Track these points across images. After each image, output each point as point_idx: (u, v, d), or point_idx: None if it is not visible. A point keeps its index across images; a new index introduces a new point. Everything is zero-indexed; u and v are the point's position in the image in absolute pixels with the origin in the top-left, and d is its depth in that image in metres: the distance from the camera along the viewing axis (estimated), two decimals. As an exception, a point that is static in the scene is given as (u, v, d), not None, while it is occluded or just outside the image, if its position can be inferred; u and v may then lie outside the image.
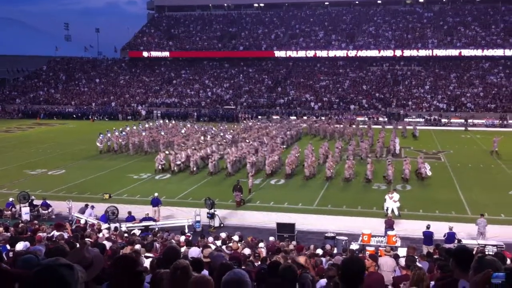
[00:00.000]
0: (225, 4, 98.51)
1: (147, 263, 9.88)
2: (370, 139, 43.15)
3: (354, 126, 51.03)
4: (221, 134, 44.72)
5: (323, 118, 58.69)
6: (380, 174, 31.78)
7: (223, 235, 18.54)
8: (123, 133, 45.32)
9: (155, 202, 24.66)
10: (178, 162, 34.28)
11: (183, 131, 46.54)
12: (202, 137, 42.96)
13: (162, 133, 44.98)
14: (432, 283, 6.59)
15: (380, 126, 50.80)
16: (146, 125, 51.56)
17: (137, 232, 19.47)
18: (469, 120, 59.10)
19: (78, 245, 8.88)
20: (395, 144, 39.81)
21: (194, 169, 33.92)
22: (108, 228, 18.92)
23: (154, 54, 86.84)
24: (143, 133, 45.18)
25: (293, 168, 33.13)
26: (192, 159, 34.16)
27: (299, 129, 50.36)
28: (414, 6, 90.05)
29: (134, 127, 49.38)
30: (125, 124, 52.33)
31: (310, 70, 79.91)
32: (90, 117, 69.65)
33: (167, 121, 56.62)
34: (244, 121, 57.00)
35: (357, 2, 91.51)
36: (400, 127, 51.67)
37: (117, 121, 67.13)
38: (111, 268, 4.73)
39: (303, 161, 33.78)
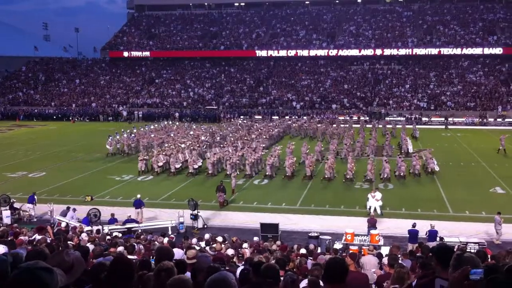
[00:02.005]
0: (206, 3, 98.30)
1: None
2: (350, 138, 43.38)
3: (334, 125, 51.29)
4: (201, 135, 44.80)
5: (305, 117, 58.98)
6: (361, 173, 31.96)
7: (206, 236, 18.51)
8: (132, 135, 44.86)
9: (138, 204, 24.49)
10: (178, 166, 33.86)
11: (191, 133, 46.19)
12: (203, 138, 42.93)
13: (172, 135, 44.75)
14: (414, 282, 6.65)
15: (359, 126, 51.14)
16: (152, 127, 51.28)
17: (119, 234, 19.34)
18: (449, 119, 59.78)
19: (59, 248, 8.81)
20: (408, 143, 39.97)
21: (192, 170, 33.57)
22: (90, 231, 18.76)
23: (135, 54, 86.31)
24: (152, 135, 44.95)
25: (294, 169, 32.81)
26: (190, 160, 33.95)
27: (280, 129, 50.44)
28: (393, 5, 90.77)
29: (142, 129, 49.11)
30: (123, 127, 52.13)
31: (292, 69, 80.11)
32: (70, 118, 68.98)
33: (170, 122, 56.55)
34: (232, 121, 57.28)
35: (337, 1, 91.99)
36: (389, 125, 51.99)
37: (98, 122, 66.75)
38: (103, 270, 4.70)
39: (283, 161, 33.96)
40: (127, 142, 41.93)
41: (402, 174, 31.59)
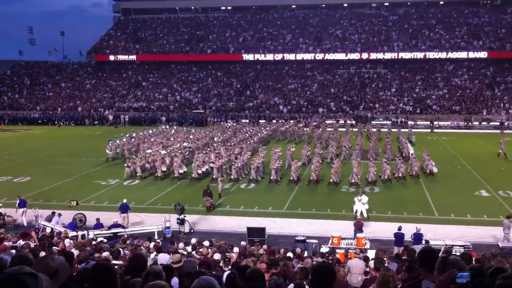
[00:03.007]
0: (192, 7, 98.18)
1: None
2: (336, 141, 43.50)
3: (320, 129, 51.48)
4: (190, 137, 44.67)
5: (291, 121, 59.19)
6: (346, 177, 32.04)
7: (193, 240, 18.44)
8: (133, 139, 44.46)
9: (124, 209, 24.32)
10: (181, 171, 33.40)
11: (191, 137, 45.93)
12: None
13: (172, 139, 44.52)
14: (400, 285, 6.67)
15: (344, 129, 51.38)
16: (150, 131, 50.96)
17: (105, 239, 19.21)
18: (434, 122, 60.20)
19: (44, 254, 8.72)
20: (408, 146, 40.08)
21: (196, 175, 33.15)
22: (76, 237, 18.60)
23: (121, 57, 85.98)
24: (151, 139, 44.61)
25: (299, 173, 32.60)
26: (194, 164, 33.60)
27: (269, 132, 50.58)
28: (379, 9, 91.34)
29: (141, 133, 48.78)
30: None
31: (278, 73, 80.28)
32: (56, 122, 68.42)
33: (167, 126, 56.30)
34: (221, 124, 57.51)
35: (323, 6, 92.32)
36: (374, 129, 52.14)
37: (84, 126, 66.33)
38: (87, 276, 4.67)
39: (268, 164, 34.00)
40: (127, 146, 41.47)
41: (401, 175, 32.16)
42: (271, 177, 32.12)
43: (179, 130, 52.66)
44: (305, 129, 50.80)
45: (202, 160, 34.30)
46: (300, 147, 41.37)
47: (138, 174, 33.71)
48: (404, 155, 38.55)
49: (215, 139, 44.15)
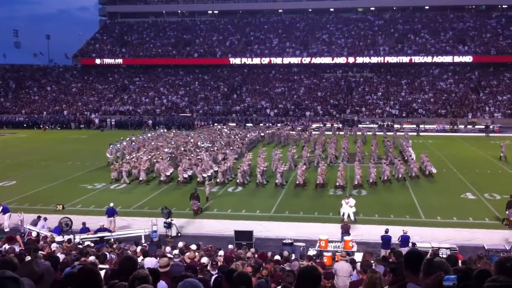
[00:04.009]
0: (179, 11, 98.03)
1: (101, 274, 9.70)
2: (322, 145, 43.62)
3: (307, 132, 51.60)
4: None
5: (279, 125, 59.30)
6: (332, 180, 32.12)
7: (180, 244, 18.37)
8: (133, 143, 44.08)
9: (111, 212, 24.17)
10: (186, 176, 33.06)
11: (172, 142, 45.62)
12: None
13: (173, 142, 44.30)
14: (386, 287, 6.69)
15: (331, 132, 51.53)
16: (149, 135, 50.59)
17: (91, 243, 19.08)
18: (420, 126, 60.60)
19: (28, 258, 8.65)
20: (410, 150, 40.21)
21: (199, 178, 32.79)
22: (62, 241, 18.45)
23: (107, 61, 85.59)
24: (152, 143, 44.35)
25: (305, 177, 32.31)
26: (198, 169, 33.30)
27: (255, 135, 50.60)
28: (365, 14, 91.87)
29: (140, 137, 48.39)
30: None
31: (265, 77, 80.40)
32: (41, 126, 67.86)
33: (165, 130, 56.09)
34: (211, 127, 57.68)
35: (310, 10, 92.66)
36: (359, 133, 52.39)
37: (70, 130, 65.89)
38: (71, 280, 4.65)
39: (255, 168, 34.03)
40: (128, 150, 41.12)
41: (401, 176, 32.71)
42: (257, 181, 32.16)
43: (178, 133, 52.41)
44: (291, 132, 50.85)
45: (188, 165, 34.17)
46: (287, 149, 41.40)
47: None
48: (405, 158, 38.76)
49: (199, 143, 43.81)
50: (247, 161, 34.53)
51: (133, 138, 46.44)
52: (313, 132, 52.23)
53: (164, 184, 32.81)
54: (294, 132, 51.38)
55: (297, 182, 31.26)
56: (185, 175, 33.06)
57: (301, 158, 38.02)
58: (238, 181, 32.32)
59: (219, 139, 46.76)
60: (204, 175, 32.57)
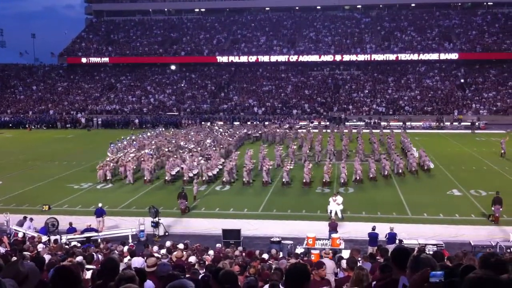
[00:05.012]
0: (166, 9, 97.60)
1: (88, 275, 9.64)
2: (309, 142, 43.67)
3: (293, 130, 51.56)
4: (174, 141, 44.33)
5: (266, 123, 59.29)
6: (318, 178, 32.18)
7: (168, 243, 18.32)
8: (134, 142, 43.70)
9: (99, 213, 24.05)
10: (191, 174, 32.55)
11: (193, 139, 45.34)
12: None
13: (173, 141, 44.02)
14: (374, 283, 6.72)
15: (317, 130, 51.60)
16: (149, 133, 50.16)
17: (78, 244, 18.95)
18: (407, 123, 60.92)
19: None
20: (411, 147, 40.29)
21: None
22: (48, 241, 18.33)
23: (93, 60, 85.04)
24: (153, 142, 44.08)
25: (311, 175, 32.11)
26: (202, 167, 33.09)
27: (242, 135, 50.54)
28: (352, 12, 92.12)
29: (140, 136, 48.02)
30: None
31: (253, 75, 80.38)
32: (27, 125, 67.27)
33: (163, 129, 55.91)
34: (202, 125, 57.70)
35: (297, 8, 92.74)
36: (346, 131, 52.40)
37: (56, 130, 65.39)
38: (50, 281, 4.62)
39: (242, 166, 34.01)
40: (130, 149, 40.47)
41: (400, 171, 33.40)
42: (244, 179, 32.12)
43: (176, 132, 52.16)
44: (277, 130, 50.81)
45: (175, 163, 34.01)
46: (273, 148, 41.37)
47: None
48: (405, 153, 39.06)
49: (182, 143, 43.39)
50: (234, 160, 34.49)
51: (133, 137, 46.16)
52: (299, 130, 52.20)
53: (170, 184, 32.35)
54: (279, 130, 51.23)
55: (304, 181, 31.23)
56: (191, 174, 32.60)
57: (288, 156, 38.11)
58: (224, 179, 32.24)
59: (214, 136, 46.69)
60: (191, 174, 32.46)
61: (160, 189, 31.63)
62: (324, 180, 31.14)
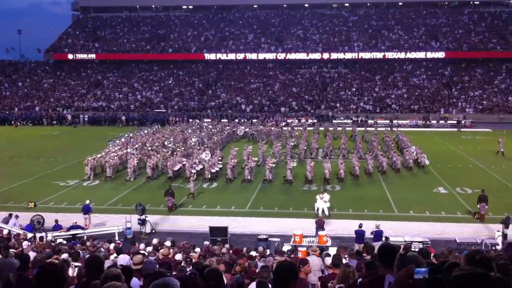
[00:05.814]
0: (153, 6, 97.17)
1: (74, 272, 9.59)
2: (294, 140, 43.68)
3: (278, 128, 51.55)
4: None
5: (254, 120, 59.25)
6: (302, 176, 32.20)
7: (154, 241, 18.26)
8: (132, 140, 43.25)
9: (86, 210, 23.91)
10: (194, 171, 31.88)
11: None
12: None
13: (172, 139, 43.71)
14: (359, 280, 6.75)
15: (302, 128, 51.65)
16: (145, 131, 49.71)
17: (64, 241, 18.83)
18: (394, 121, 61.19)
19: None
20: (410, 145, 40.40)
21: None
22: (33, 238, 18.19)
23: (80, 56, 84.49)
24: (150, 139, 43.69)
25: (314, 173, 31.99)
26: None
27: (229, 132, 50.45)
28: (340, 10, 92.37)
29: (137, 133, 47.55)
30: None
31: (241, 72, 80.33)
32: (12, 122, 66.66)
33: (158, 126, 55.59)
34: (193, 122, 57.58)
35: (285, 6, 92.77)
36: (331, 128, 52.52)
37: (42, 126, 64.87)
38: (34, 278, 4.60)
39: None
40: (130, 146, 40.09)
41: (397, 167, 34.00)
42: (227, 176, 32.06)
43: (173, 128, 51.92)
44: (260, 127, 50.77)
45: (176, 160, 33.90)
46: (256, 146, 41.27)
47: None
48: (402, 150, 39.37)
49: (166, 143, 43.04)
50: (218, 157, 34.48)
51: (131, 135, 45.89)
52: (284, 128, 52.08)
53: (171, 181, 31.91)
54: (264, 128, 51.14)
55: (308, 178, 31.18)
56: (193, 171, 31.89)
57: (273, 154, 38.19)
58: (208, 176, 32.12)
59: (201, 135, 46.60)
60: (193, 170, 32.08)
61: (147, 187, 31.47)
62: (306, 178, 31.19)
